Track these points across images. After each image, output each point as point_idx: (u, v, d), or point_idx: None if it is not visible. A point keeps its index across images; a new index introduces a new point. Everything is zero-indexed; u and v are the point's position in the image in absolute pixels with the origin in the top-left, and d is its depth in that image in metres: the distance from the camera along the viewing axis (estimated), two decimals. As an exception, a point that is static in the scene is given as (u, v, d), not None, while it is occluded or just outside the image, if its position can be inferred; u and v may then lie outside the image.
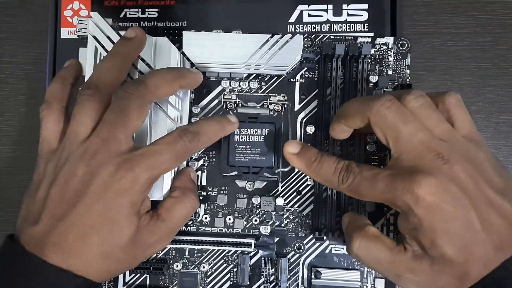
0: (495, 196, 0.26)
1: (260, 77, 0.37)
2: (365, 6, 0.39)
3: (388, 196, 0.27)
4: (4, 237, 0.29)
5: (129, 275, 0.36)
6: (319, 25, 0.39)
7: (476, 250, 0.26)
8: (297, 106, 0.37)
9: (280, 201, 0.36)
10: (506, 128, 0.40)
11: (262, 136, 0.35)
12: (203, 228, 0.36)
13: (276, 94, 0.37)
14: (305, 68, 0.37)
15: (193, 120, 0.37)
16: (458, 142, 0.28)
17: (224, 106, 0.37)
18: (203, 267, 0.36)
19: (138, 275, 0.36)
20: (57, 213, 0.28)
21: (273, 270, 0.36)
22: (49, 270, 0.27)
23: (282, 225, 0.36)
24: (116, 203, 0.28)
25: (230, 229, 0.36)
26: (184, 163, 0.36)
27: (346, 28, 0.39)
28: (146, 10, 0.40)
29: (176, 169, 0.35)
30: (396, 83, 0.36)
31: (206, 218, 0.36)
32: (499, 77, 0.40)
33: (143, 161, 0.28)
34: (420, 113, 0.28)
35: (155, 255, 0.36)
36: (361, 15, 0.39)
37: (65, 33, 0.39)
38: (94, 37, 0.33)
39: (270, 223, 0.36)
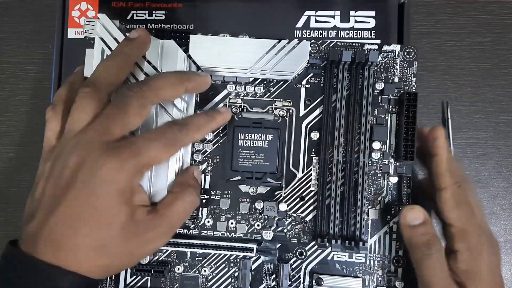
0: None
1: (265, 82, 0.37)
2: (373, 13, 0.39)
3: None
4: (4, 238, 0.29)
5: (130, 277, 0.36)
6: (326, 31, 0.39)
7: None
8: (302, 112, 0.37)
9: (283, 207, 0.36)
10: (506, 128, 0.40)
11: (266, 142, 0.35)
12: (205, 231, 0.36)
13: (281, 99, 0.37)
14: (311, 74, 0.37)
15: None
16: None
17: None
18: (205, 270, 0.36)
19: (139, 277, 0.36)
20: (49, 207, 0.28)
21: (274, 275, 0.36)
22: (41, 267, 0.27)
23: (285, 230, 0.36)
24: (103, 191, 0.27)
25: (232, 234, 0.36)
26: (189, 162, 0.36)
27: (353, 34, 0.39)
28: (153, 12, 0.40)
29: (179, 169, 0.34)
30: (402, 91, 0.36)
31: (208, 221, 0.36)
32: (499, 77, 0.40)
33: (128, 147, 0.28)
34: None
35: (156, 257, 0.36)
36: (369, 22, 0.39)
37: (72, 33, 0.40)
38: (101, 39, 0.33)
39: (272, 228, 0.36)
